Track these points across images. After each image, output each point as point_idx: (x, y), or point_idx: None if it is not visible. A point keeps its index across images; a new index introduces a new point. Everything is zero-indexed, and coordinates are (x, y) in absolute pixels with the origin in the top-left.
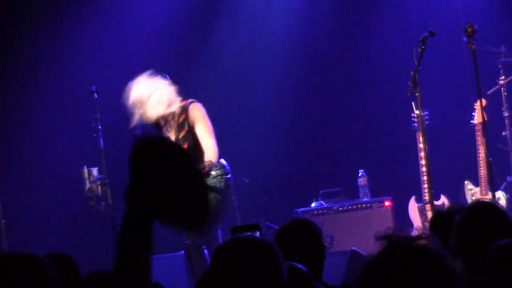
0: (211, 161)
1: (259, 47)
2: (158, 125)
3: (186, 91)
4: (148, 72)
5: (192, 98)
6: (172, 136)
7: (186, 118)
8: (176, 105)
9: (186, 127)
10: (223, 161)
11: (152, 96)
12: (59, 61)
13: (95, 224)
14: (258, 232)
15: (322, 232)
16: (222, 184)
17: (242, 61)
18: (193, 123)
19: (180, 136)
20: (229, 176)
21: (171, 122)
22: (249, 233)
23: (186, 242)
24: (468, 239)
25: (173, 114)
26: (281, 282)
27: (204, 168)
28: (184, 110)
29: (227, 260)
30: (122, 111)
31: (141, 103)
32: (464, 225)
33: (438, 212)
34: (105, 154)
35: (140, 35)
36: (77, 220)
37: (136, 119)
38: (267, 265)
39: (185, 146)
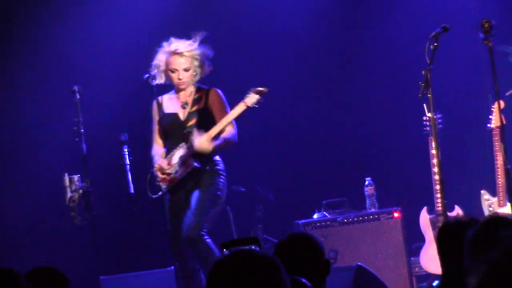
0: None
1: (258, 51)
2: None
3: None
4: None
5: None
6: (180, 109)
7: (205, 97)
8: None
9: (202, 104)
10: (218, 158)
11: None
12: (38, 59)
13: (77, 236)
14: (256, 246)
15: (323, 247)
16: (221, 180)
17: (240, 62)
18: (213, 105)
19: (192, 110)
20: (225, 174)
21: (184, 94)
22: (247, 247)
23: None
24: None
25: (191, 88)
26: None
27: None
28: (203, 89)
29: (224, 277)
30: (107, 113)
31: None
32: (477, 242)
33: (446, 224)
34: (88, 160)
35: (126, 33)
36: (57, 231)
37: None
38: (270, 281)
39: (194, 121)
